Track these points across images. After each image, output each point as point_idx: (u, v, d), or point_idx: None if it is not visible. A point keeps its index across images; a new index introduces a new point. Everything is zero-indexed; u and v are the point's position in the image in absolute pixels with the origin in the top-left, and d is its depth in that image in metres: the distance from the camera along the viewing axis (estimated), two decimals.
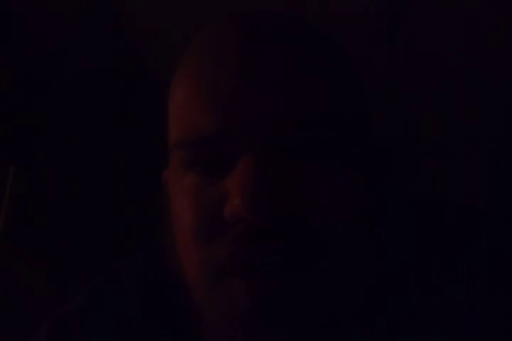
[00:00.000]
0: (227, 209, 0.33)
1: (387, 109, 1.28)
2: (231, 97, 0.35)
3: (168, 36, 1.28)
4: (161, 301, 0.42)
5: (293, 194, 0.34)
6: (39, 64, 1.00)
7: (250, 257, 0.33)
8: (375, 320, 0.39)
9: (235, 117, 0.34)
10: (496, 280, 0.39)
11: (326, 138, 0.35)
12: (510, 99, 1.39)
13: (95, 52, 1.19)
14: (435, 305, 0.39)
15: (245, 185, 0.32)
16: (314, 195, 0.34)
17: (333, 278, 0.34)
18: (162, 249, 0.41)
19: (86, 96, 1.16)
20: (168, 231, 0.40)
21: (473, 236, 0.41)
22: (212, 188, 0.35)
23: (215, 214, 0.34)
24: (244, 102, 0.34)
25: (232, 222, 0.33)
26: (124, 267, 0.44)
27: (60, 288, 0.96)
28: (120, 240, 1.14)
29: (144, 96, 1.37)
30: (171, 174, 0.39)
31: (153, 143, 0.97)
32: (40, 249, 1.00)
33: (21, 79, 0.95)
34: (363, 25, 1.21)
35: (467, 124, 1.50)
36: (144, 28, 1.32)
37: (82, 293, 0.44)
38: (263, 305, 0.33)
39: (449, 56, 1.33)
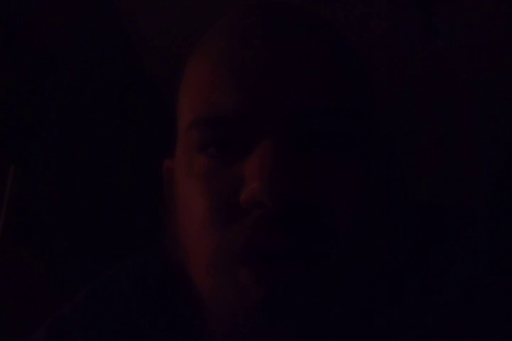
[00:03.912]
0: (244, 194, 0.32)
1: (387, 107, 1.28)
2: (256, 78, 0.34)
3: (168, 36, 1.28)
4: (161, 303, 0.41)
5: (309, 182, 0.33)
6: (39, 64, 1.00)
7: (265, 247, 0.32)
8: (377, 319, 0.39)
9: (259, 99, 0.33)
10: (496, 282, 0.39)
11: (344, 128, 0.35)
12: (510, 98, 1.39)
13: (95, 52, 1.20)
14: (436, 305, 0.39)
15: (264, 168, 0.31)
16: (329, 185, 0.34)
17: (343, 271, 0.34)
18: (161, 250, 0.41)
19: (85, 96, 1.16)
20: (170, 222, 0.39)
21: (474, 238, 0.41)
22: (227, 172, 0.34)
23: (231, 199, 0.33)
24: (269, 85, 0.34)
25: (249, 207, 0.32)
26: (122, 268, 0.44)
27: (60, 288, 0.96)
28: (120, 240, 1.14)
29: (143, 96, 1.38)
30: (180, 158, 0.38)
31: (152, 141, 0.97)
32: (40, 248, 1.00)
33: (21, 79, 0.95)
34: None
35: (467, 124, 1.50)
36: (144, 28, 1.32)
37: (80, 295, 0.43)
38: (273, 296, 0.32)
39: (447, 55, 1.33)
